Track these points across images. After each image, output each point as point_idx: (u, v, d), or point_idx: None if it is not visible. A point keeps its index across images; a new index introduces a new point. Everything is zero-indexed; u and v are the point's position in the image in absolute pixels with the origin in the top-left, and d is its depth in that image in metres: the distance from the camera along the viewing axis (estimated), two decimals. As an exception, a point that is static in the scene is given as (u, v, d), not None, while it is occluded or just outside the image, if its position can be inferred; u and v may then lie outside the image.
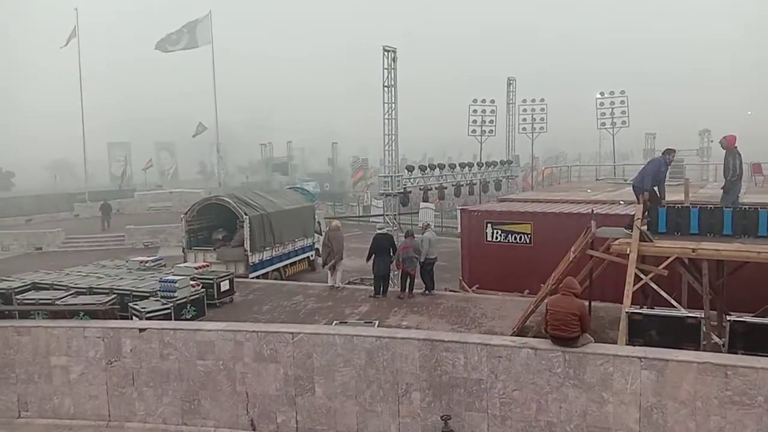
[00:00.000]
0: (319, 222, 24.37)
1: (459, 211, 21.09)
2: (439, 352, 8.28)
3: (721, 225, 10.46)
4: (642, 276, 9.61)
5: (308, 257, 22.40)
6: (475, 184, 24.55)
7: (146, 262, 16.01)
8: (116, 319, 10.68)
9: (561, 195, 19.84)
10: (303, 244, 21.88)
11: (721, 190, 11.83)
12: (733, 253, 9.68)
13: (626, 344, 8.41)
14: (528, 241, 15.33)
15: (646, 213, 10.67)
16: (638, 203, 10.82)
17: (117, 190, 50.22)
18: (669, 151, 11.18)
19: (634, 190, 11.27)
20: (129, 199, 44.91)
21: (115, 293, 12.59)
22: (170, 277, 12.92)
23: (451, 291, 15.52)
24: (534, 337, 9.51)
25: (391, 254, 14.35)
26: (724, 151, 11.40)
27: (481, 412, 8.07)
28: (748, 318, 8.53)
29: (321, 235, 22.50)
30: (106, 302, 11.28)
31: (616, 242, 10.33)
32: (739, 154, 11.22)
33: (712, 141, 38.98)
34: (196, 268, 14.63)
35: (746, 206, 11.36)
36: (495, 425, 8.01)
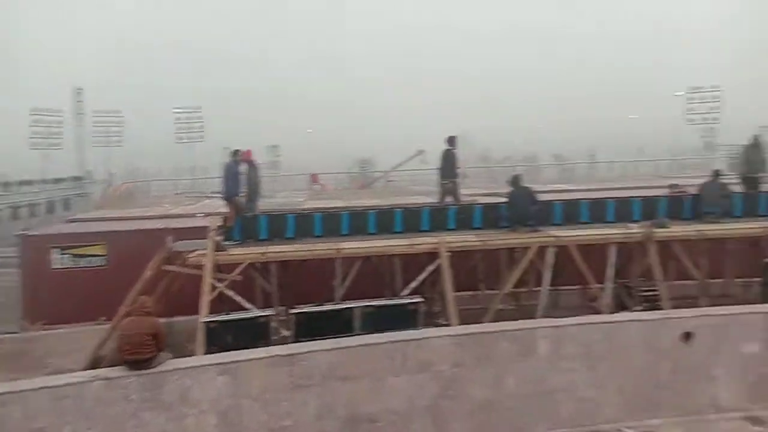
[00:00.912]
0: None
1: (18, 237, 17.99)
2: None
3: (285, 229, 11.87)
4: (217, 285, 9.95)
5: None
6: (39, 204, 21.58)
7: None
8: None
9: (139, 211, 19.12)
10: None
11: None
12: (294, 253, 11.08)
13: (205, 353, 8.55)
14: (103, 264, 14.16)
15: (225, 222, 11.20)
16: (229, 210, 11.30)
17: None
18: (235, 152, 12.04)
19: (224, 200, 11.72)
20: None
21: None
22: None
23: (8, 334, 13.09)
24: (110, 365, 8.74)
25: None
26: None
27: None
28: (307, 308, 9.80)
29: None
30: None
31: (192, 254, 10.45)
32: (255, 167, 12.61)
33: (279, 156, 44.28)
34: None
35: (307, 211, 13.11)
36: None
